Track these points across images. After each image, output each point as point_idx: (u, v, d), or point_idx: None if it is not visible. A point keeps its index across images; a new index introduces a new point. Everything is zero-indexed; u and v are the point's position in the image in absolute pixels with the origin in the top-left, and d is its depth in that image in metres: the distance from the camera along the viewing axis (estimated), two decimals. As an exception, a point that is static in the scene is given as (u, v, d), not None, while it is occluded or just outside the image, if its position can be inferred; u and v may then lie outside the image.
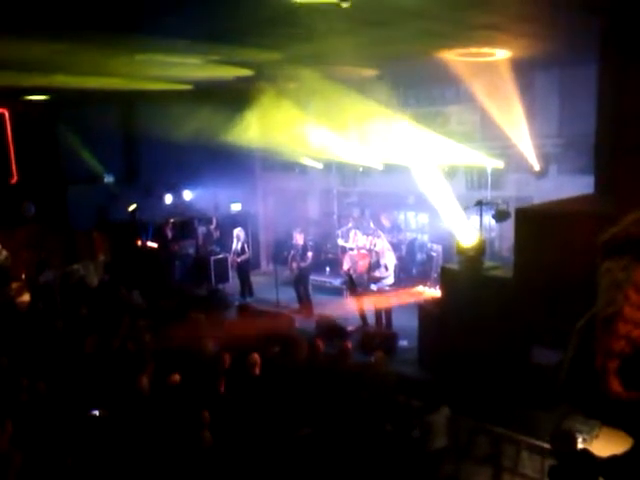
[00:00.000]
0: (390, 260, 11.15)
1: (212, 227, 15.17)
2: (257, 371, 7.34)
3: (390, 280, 11.10)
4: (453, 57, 9.15)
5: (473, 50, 8.70)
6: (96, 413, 6.76)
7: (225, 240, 14.71)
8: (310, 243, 13.43)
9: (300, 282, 12.76)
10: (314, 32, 7.39)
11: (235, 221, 15.02)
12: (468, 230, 9.04)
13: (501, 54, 9.10)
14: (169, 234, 14.60)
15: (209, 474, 5.79)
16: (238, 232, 13.87)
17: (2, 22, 6.53)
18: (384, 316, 11.14)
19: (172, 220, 14.88)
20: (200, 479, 5.81)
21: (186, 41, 7.84)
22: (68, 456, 5.79)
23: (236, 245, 13.82)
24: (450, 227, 9.56)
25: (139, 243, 14.71)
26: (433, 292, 11.66)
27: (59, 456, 5.80)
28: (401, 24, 7.13)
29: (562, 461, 5.40)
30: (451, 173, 12.95)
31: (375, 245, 11.32)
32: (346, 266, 12.13)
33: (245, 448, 5.96)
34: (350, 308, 11.96)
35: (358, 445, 6.13)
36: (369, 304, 11.40)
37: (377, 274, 11.03)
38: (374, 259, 11.18)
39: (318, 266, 14.21)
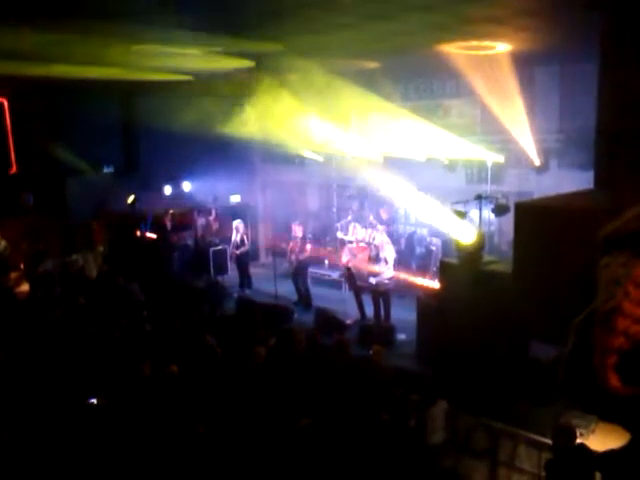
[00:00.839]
0: (389, 254, 11.14)
1: (211, 218, 15.15)
2: (259, 362, 7.33)
3: (389, 274, 11.10)
4: (454, 50, 9.12)
5: (474, 43, 8.68)
6: (94, 401, 6.79)
7: (224, 232, 14.70)
8: (309, 235, 13.42)
9: (299, 274, 12.76)
10: (317, 25, 7.38)
11: (234, 213, 14.99)
12: (463, 229, 9.02)
13: (501, 48, 9.08)
14: (168, 225, 14.59)
15: (210, 465, 5.81)
16: (237, 224, 13.86)
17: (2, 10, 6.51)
18: (383, 309, 11.15)
19: (171, 211, 14.85)
20: (201, 470, 5.83)
21: (186, 32, 7.82)
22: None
23: (235, 237, 13.81)
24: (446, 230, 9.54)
25: (138, 234, 14.69)
26: (431, 283, 11.65)
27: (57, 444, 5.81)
28: (404, 17, 7.11)
29: (559, 455, 5.44)
30: (451, 167, 12.94)
31: (374, 238, 11.32)
32: (345, 259, 12.13)
33: (245, 439, 5.97)
34: (348, 301, 11.98)
35: (356, 435, 6.14)
36: (367, 297, 11.42)
37: (377, 268, 11.02)
38: (374, 253, 11.17)
39: (317, 259, 14.20)
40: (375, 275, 11.04)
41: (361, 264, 11.59)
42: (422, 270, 12.54)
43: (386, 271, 11.05)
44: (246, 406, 6.53)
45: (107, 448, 5.91)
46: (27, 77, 11.20)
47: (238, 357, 7.73)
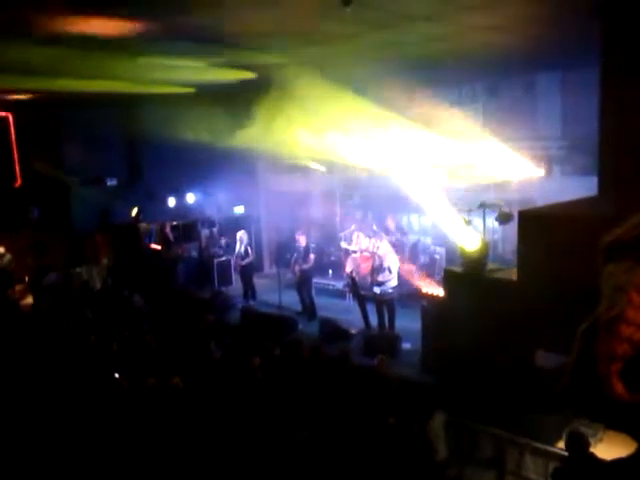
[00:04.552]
0: (393, 263, 11.13)
1: (215, 230, 15.17)
2: (259, 374, 7.32)
3: (394, 283, 11.08)
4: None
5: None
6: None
7: (228, 242, 14.72)
8: (312, 245, 13.41)
9: (303, 284, 12.74)
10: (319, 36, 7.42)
11: (238, 224, 15.02)
12: (468, 235, 9.00)
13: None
14: (170, 236, 14.62)
15: (211, 476, 5.79)
16: (241, 235, 13.86)
17: (6, 25, 6.56)
18: (387, 318, 11.12)
19: (174, 222, 14.92)
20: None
21: (189, 44, 7.85)
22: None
23: (239, 248, 13.81)
24: (450, 234, 9.52)
25: (142, 246, 14.72)
26: (435, 289, 11.61)
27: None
28: (405, 27, 7.14)
29: (567, 464, 5.39)
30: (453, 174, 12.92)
31: (378, 248, 11.29)
32: (349, 269, 12.11)
33: (248, 451, 5.95)
34: (353, 311, 11.94)
35: (361, 442, 6.10)
36: (372, 307, 11.39)
37: (381, 277, 11.00)
38: (377, 262, 11.14)
39: (321, 268, 14.20)
40: (379, 284, 11.02)
41: (365, 273, 11.56)
42: (426, 278, 12.51)
43: (390, 280, 11.03)
44: (249, 417, 6.51)
45: (110, 459, 5.90)
46: (32, 91, 11.27)
47: (242, 367, 7.71)
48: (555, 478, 5.43)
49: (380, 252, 11.17)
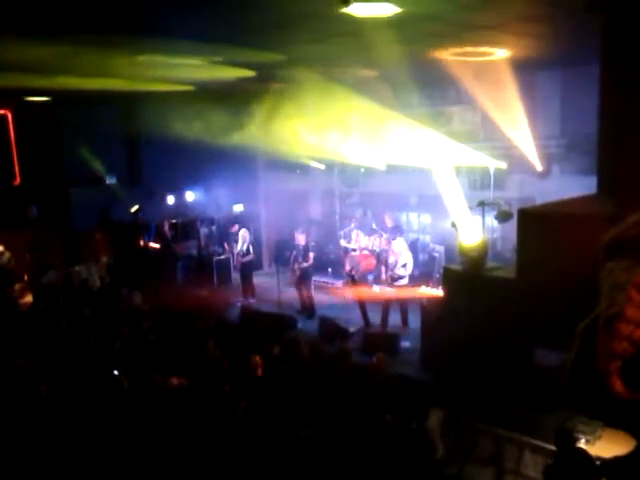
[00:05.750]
0: (409, 259, 11.10)
1: (214, 228, 15.18)
2: (259, 372, 7.33)
3: (406, 280, 11.05)
4: (451, 57, 9.11)
5: (470, 49, 8.67)
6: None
7: (228, 241, 14.74)
8: (312, 244, 13.41)
9: (302, 283, 12.75)
10: (320, 35, 7.41)
11: (237, 222, 15.03)
12: (472, 229, 9.01)
13: (500, 54, 9.08)
14: (168, 234, 14.62)
15: (211, 475, 5.80)
16: (244, 233, 13.86)
17: (4, 23, 6.54)
18: (389, 316, 11.13)
19: (172, 220, 14.93)
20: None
21: (189, 42, 7.84)
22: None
23: (241, 246, 13.81)
24: (455, 225, 9.48)
25: (142, 244, 14.73)
26: (435, 292, 11.62)
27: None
28: (404, 26, 7.12)
29: (558, 460, 5.40)
30: (454, 173, 12.94)
31: (392, 245, 11.26)
32: (348, 267, 12.12)
33: (249, 449, 5.96)
34: (352, 309, 11.95)
35: (359, 440, 6.10)
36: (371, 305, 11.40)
37: (399, 273, 10.97)
38: (393, 259, 11.09)
39: (320, 267, 14.20)
40: (396, 280, 10.97)
41: (365, 271, 11.55)
42: (425, 277, 12.52)
43: (405, 277, 11.00)
44: (248, 416, 6.52)
45: (109, 458, 5.91)
46: (31, 89, 11.26)
47: (241, 366, 7.71)
48: (546, 475, 5.43)
49: (395, 249, 11.15)
